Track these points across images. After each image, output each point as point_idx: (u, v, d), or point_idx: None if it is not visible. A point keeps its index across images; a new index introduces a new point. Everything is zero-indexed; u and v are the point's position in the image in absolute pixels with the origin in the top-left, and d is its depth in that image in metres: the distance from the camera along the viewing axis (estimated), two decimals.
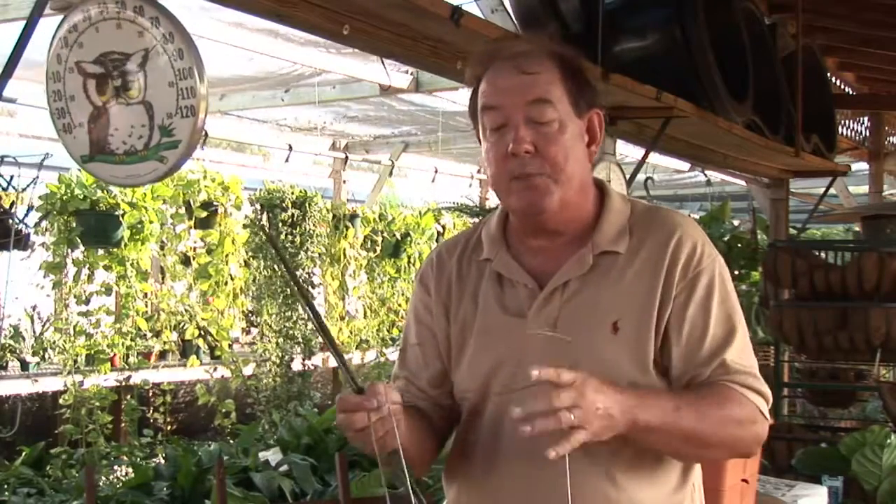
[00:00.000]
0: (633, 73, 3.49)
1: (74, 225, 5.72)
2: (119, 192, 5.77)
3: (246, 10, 2.56)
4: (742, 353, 1.61)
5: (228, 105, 6.44)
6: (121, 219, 5.83)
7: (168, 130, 2.15)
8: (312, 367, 7.50)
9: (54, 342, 6.11)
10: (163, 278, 6.96)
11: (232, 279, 6.60)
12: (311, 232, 7.30)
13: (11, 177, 5.56)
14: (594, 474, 1.57)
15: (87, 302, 5.92)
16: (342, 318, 7.97)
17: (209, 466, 4.07)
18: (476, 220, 5.57)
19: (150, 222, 6.04)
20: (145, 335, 6.46)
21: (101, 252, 5.91)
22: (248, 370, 6.98)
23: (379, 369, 7.70)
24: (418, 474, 1.78)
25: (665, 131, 3.90)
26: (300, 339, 7.17)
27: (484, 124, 1.62)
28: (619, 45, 3.78)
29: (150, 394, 6.71)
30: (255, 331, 7.51)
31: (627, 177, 4.05)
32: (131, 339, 6.28)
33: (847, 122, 7.37)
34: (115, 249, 5.90)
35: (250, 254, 6.98)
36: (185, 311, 6.68)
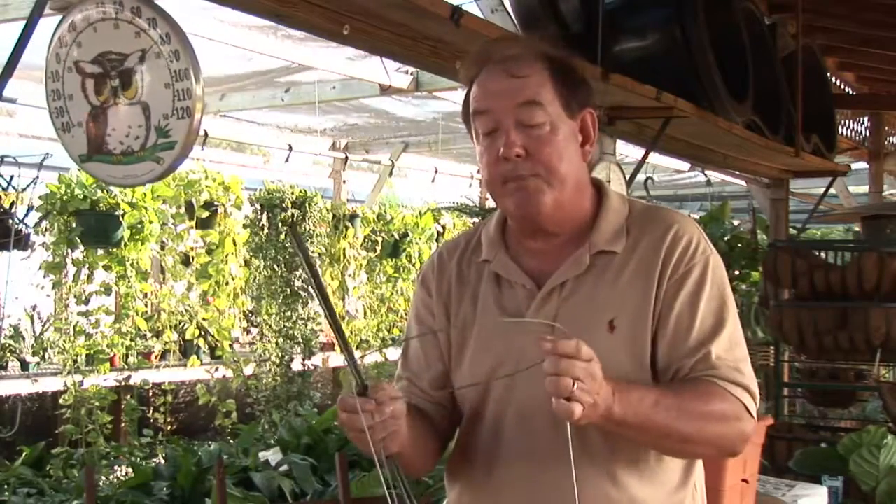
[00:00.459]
0: (633, 73, 3.49)
1: (74, 225, 5.72)
2: (119, 192, 5.76)
3: (246, 9, 2.56)
4: (730, 348, 1.60)
5: (228, 105, 6.44)
6: (121, 219, 5.82)
7: (164, 131, 2.16)
8: (312, 367, 7.50)
9: (54, 342, 6.11)
10: (163, 278, 6.96)
11: (232, 279, 6.60)
12: (311, 232, 7.30)
13: (11, 177, 5.56)
14: (595, 474, 1.57)
15: (87, 302, 5.91)
16: (342, 318, 7.97)
17: (209, 466, 4.07)
18: (476, 220, 5.57)
19: (151, 222, 6.03)
20: (145, 335, 6.47)
21: (100, 252, 5.91)
22: (248, 370, 6.98)
23: (378, 369, 7.70)
24: (420, 475, 1.78)
25: (665, 131, 3.90)
26: (300, 339, 7.18)
27: (476, 128, 1.63)
28: (619, 45, 3.78)
29: (151, 394, 6.71)
30: (255, 331, 7.51)
31: (627, 177, 4.05)
32: (131, 339, 6.29)
33: (847, 122, 7.35)
34: (115, 249, 5.89)
35: (250, 254, 6.98)
36: (186, 311, 6.69)
